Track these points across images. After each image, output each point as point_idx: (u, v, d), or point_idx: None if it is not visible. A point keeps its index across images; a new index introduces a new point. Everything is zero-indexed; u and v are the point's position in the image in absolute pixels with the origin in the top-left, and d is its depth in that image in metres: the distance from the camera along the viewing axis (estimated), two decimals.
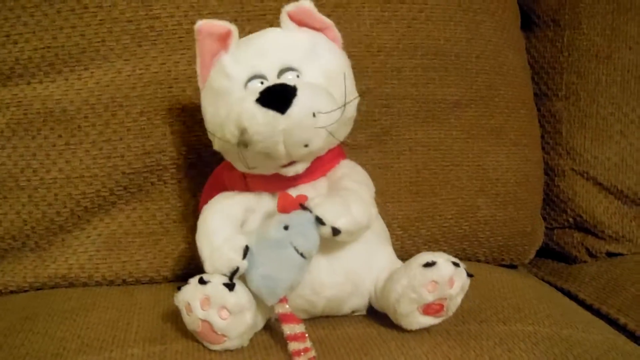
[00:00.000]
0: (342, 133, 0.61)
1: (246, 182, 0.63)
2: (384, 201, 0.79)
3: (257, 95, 0.55)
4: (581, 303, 0.83)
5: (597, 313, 0.80)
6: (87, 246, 0.74)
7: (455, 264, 0.57)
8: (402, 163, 0.80)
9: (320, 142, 0.57)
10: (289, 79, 0.58)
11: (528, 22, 0.96)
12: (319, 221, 0.56)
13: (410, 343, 0.58)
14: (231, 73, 0.59)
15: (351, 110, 0.61)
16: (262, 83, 0.58)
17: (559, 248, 0.96)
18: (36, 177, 0.72)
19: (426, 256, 0.58)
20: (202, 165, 0.74)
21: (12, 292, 0.74)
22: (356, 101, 0.62)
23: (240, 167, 0.61)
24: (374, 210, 0.60)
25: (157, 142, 0.73)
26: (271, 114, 0.54)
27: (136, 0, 0.72)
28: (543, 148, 0.94)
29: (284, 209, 0.58)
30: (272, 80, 0.58)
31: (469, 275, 0.59)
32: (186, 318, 0.56)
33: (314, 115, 0.55)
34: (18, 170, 0.72)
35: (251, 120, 0.55)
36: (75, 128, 0.72)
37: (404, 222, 0.81)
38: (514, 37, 0.87)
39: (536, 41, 0.96)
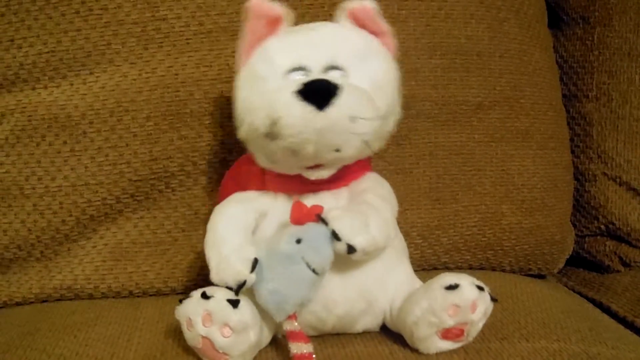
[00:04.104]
0: (377, 146, 0.58)
1: (264, 180, 0.60)
2: (403, 209, 0.74)
3: (297, 87, 0.52)
4: (614, 315, 0.79)
5: (630, 326, 0.76)
6: (94, 256, 0.72)
7: (480, 288, 0.54)
8: (422, 168, 0.77)
9: (352, 150, 0.54)
10: (334, 77, 0.54)
11: (556, 20, 0.92)
12: (335, 236, 0.53)
13: None
14: (274, 59, 0.56)
15: (391, 125, 0.58)
16: (305, 76, 0.55)
17: (590, 257, 0.92)
18: (41, 185, 0.70)
19: (449, 278, 0.55)
20: (212, 172, 0.72)
21: (17, 304, 0.72)
22: (397, 116, 0.59)
23: (262, 161, 0.58)
24: (393, 230, 0.57)
25: (165, 148, 0.71)
26: (309, 109, 0.51)
27: (142, 1, 0.70)
28: (573, 152, 0.90)
29: (297, 220, 0.55)
30: (316, 75, 0.55)
31: (493, 299, 0.56)
32: (187, 333, 0.54)
33: (352, 120, 0.52)
34: (23, 178, 0.70)
35: (286, 112, 0.52)
36: (80, 134, 0.70)
37: (424, 231, 0.77)
38: (540, 36, 0.83)
39: (565, 40, 0.91)
